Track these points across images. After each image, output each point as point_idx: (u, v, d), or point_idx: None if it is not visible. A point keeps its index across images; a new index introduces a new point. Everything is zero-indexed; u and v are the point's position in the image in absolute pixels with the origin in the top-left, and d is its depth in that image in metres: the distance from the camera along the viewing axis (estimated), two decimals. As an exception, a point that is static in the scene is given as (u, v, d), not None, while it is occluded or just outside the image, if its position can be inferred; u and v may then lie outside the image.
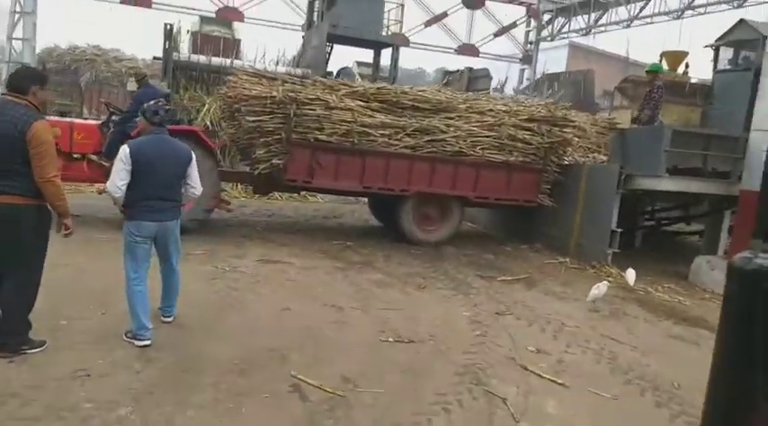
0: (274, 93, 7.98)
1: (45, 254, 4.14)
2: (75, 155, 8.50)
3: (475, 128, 8.75)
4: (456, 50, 28.48)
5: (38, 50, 27.54)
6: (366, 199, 11.25)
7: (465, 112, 8.90)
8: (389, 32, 18.60)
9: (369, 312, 5.81)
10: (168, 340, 4.56)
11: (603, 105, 17.03)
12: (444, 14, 26.84)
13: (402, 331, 5.32)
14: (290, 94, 8.05)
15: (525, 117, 8.94)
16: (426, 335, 5.28)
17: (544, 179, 9.17)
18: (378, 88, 8.68)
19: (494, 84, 21.77)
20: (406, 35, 27.71)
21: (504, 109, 9.04)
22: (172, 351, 4.36)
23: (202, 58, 14.03)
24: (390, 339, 5.10)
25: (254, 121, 8.06)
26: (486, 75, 16.91)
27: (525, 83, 26.84)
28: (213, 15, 26.06)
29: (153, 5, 25.70)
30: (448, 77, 18.17)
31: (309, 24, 18.55)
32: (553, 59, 27.56)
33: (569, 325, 5.94)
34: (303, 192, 11.51)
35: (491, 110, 8.99)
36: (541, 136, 8.89)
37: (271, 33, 30.48)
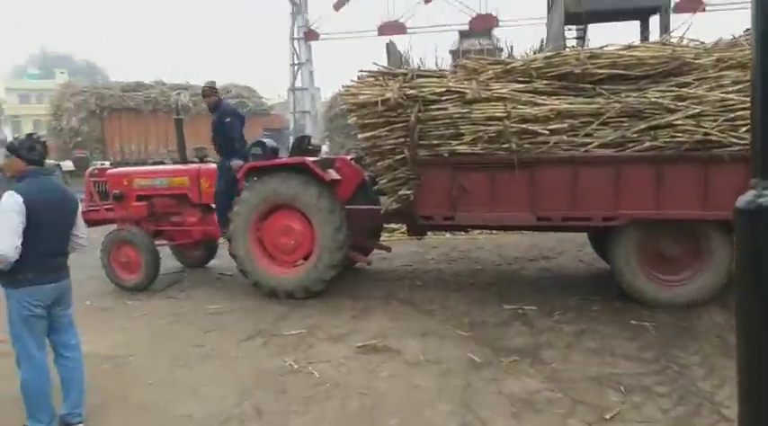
0: (388, 94, 5.50)
1: None
2: (210, 206, 7.38)
3: (733, 96, 4.80)
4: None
5: (325, 98, 29.77)
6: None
7: (713, 71, 5.02)
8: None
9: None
10: None
11: None
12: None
13: None
14: (409, 92, 5.46)
15: None
16: None
17: None
18: (545, 57, 5.41)
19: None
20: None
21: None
22: None
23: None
24: None
25: (367, 138, 5.71)
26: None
27: None
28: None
29: (408, 31, 25.35)
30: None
31: (549, 7, 15.24)
32: None
33: None
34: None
35: None
36: None
37: (536, 32, 27.48)
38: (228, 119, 6.90)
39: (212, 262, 8.31)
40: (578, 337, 4.87)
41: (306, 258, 6.43)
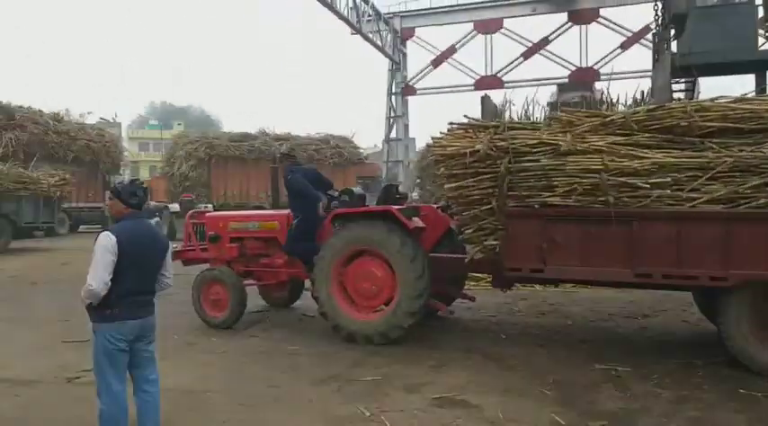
0: (478, 146, 5.42)
1: None
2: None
3: None
4: None
5: (419, 148, 30.23)
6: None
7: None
8: (772, 46, 13.17)
9: None
10: None
11: None
12: None
13: None
14: (500, 144, 5.36)
15: None
16: None
17: None
18: (648, 110, 5.14)
19: None
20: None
21: None
22: None
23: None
24: None
25: (453, 188, 5.63)
26: None
27: None
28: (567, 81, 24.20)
29: (505, 85, 25.38)
30: None
31: (654, 60, 14.74)
32: None
33: None
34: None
35: None
36: None
37: (640, 85, 26.54)
38: (290, 176, 7.13)
39: (296, 303, 8.42)
40: (679, 405, 4.41)
41: (387, 304, 6.35)
